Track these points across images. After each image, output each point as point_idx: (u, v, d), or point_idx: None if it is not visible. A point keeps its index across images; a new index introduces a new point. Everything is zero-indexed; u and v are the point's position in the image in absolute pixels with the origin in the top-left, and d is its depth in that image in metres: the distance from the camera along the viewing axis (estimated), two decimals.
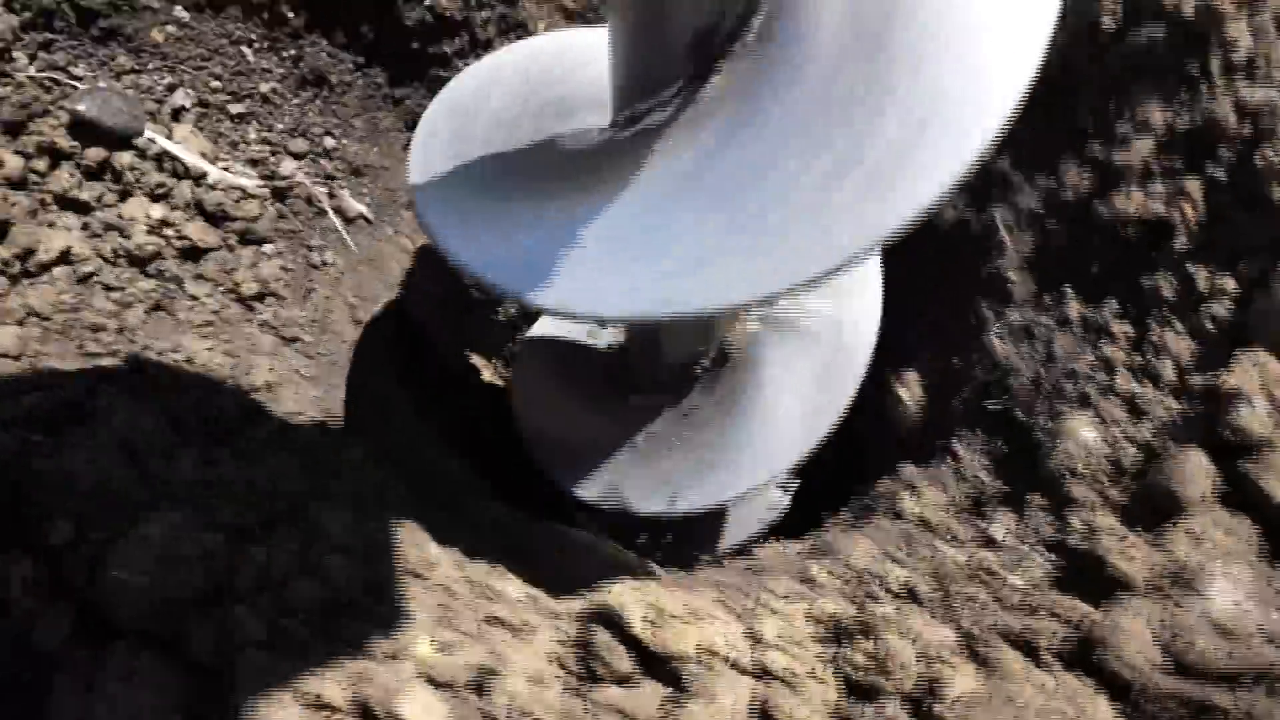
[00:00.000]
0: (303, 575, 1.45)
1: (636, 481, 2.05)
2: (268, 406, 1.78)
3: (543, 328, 2.39)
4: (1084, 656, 1.34)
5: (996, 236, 1.99)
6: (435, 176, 1.48)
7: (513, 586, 1.66)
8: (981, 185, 2.12)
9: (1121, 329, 1.72)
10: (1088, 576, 1.45)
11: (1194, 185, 1.70)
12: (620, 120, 1.40)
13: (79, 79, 1.91)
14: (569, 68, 1.72)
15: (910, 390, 2.13)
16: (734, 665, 1.39)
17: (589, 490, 2.04)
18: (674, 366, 2.02)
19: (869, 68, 1.11)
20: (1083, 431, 1.61)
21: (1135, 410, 1.61)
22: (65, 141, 1.87)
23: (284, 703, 1.29)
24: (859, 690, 1.36)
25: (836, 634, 1.42)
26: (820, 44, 1.16)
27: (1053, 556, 1.51)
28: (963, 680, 1.31)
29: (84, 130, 1.87)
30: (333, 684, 1.33)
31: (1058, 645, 1.38)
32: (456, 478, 2.01)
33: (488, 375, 2.82)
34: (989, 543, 1.60)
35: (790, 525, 2.41)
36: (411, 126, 2.36)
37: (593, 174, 1.35)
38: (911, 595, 1.56)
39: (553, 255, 1.24)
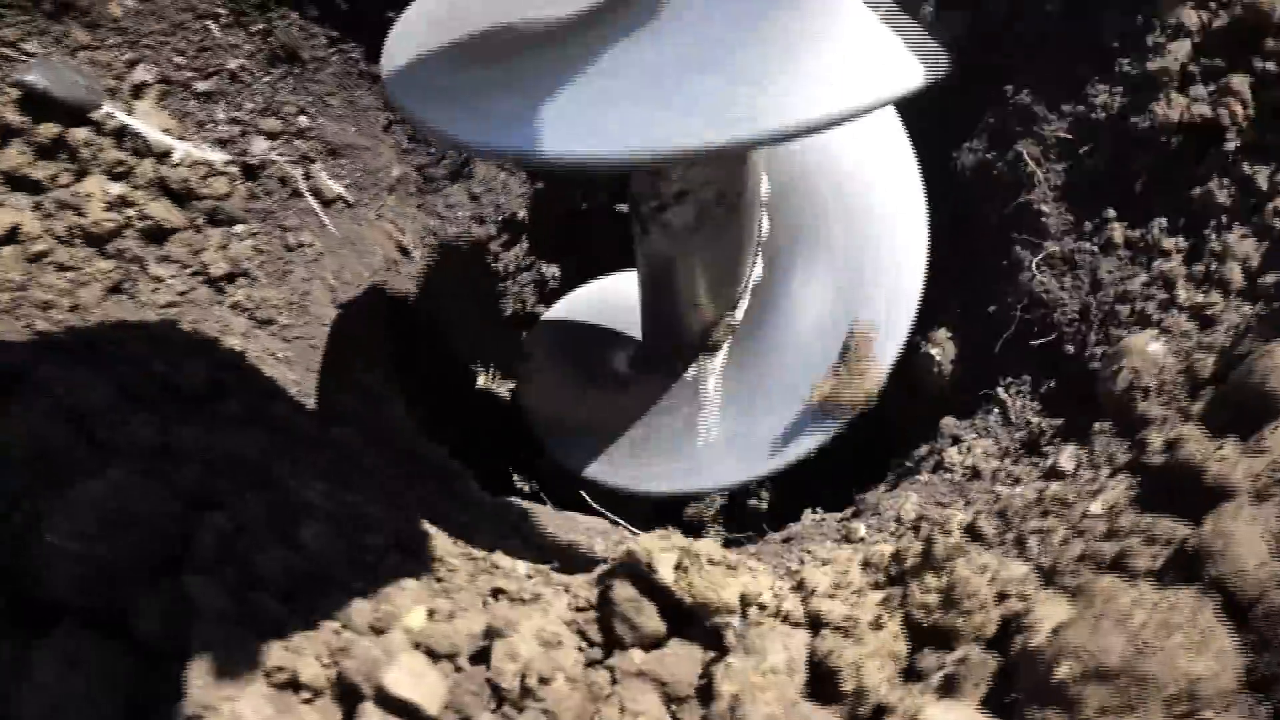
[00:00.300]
0: (274, 545, 1.26)
1: (651, 461, 1.87)
2: (239, 385, 1.61)
3: (556, 312, 2.26)
4: (1191, 575, 1.15)
5: (1025, 170, 1.84)
6: (406, 62, 1.43)
7: (521, 565, 1.47)
8: (999, 124, 1.98)
9: (1174, 243, 1.56)
10: (1179, 493, 1.26)
11: (1240, 81, 1.56)
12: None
13: (30, 55, 1.78)
14: None
15: (942, 348, 1.96)
16: (784, 618, 1.20)
17: (600, 471, 1.86)
18: (692, 329, 1.89)
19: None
20: (1150, 346, 1.43)
21: (1205, 320, 1.45)
22: (15, 117, 1.73)
23: (248, 682, 1.09)
24: (930, 636, 1.16)
25: (898, 576, 1.23)
26: None
27: (1133, 479, 1.32)
28: (1055, 610, 1.12)
29: (35, 104, 1.73)
30: (310, 660, 1.13)
31: (1159, 566, 1.18)
32: (453, 469, 1.83)
33: (483, 381, 2.65)
34: (1056, 475, 1.42)
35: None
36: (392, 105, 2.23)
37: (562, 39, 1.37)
38: (976, 537, 1.37)
39: (532, 107, 1.21)
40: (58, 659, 1.11)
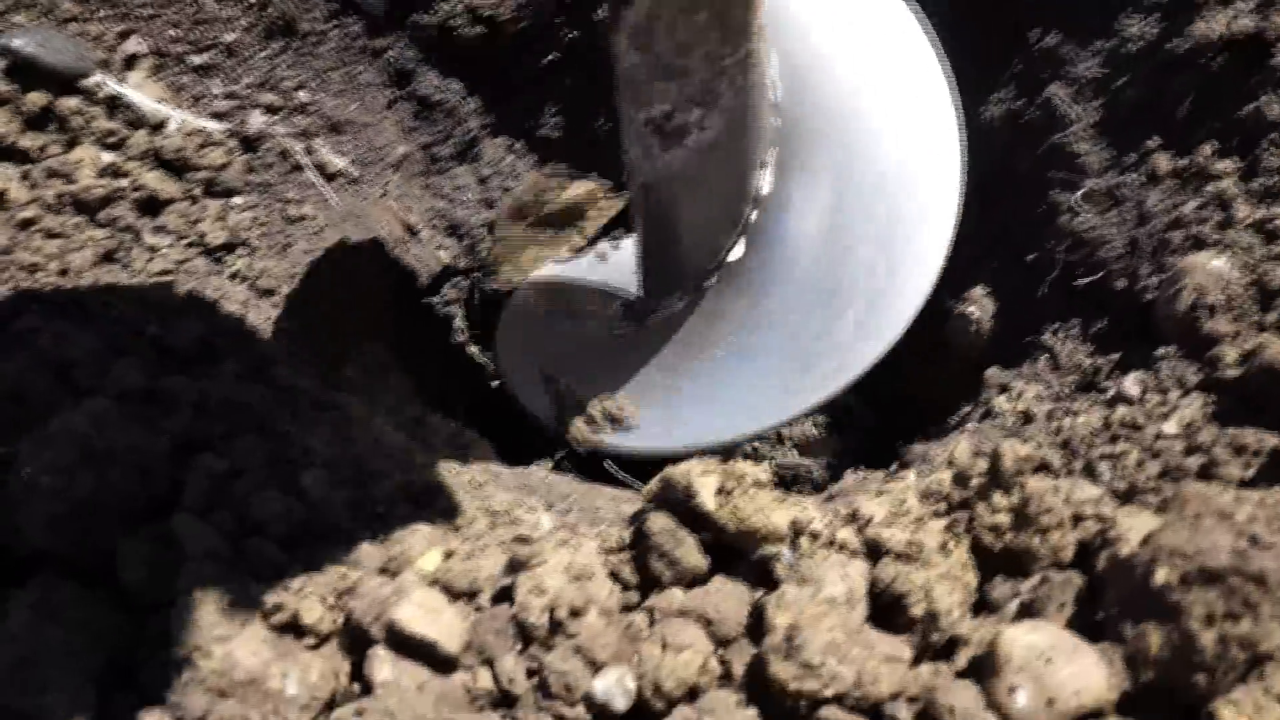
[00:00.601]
0: (272, 490, 1.15)
1: (656, 417, 1.76)
2: (237, 348, 1.51)
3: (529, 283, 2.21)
4: None
5: (1058, 113, 1.76)
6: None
7: (545, 518, 1.35)
8: (1026, 71, 1.90)
9: (1225, 165, 1.47)
10: (1262, 402, 1.16)
11: None
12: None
13: (18, 26, 1.71)
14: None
15: (980, 305, 1.86)
16: (840, 547, 1.08)
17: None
18: (691, 262, 1.82)
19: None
20: (1212, 263, 1.34)
21: (1269, 234, 1.35)
22: (2, 85, 1.65)
23: (244, 623, 0.98)
24: (1002, 562, 1.05)
25: (962, 502, 1.11)
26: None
27: (1208, 396, 1.22)
28: (1141, 521, 1.00)
29: (22, 71, 1.66)
30: (313, 602, 1.02)
31: (1253, 474, 1.07)
32: (467, 437, 1.72)
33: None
34: (1122, 400, 1.31)
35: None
36: (395, 81, 2.16)
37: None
38: (1043, 469, 1.26)
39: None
40: (32, 609, 1.00)
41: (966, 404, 1.80)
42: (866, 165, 1.72)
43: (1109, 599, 0.97)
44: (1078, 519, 1.07)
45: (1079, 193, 1.64)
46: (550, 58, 2.26)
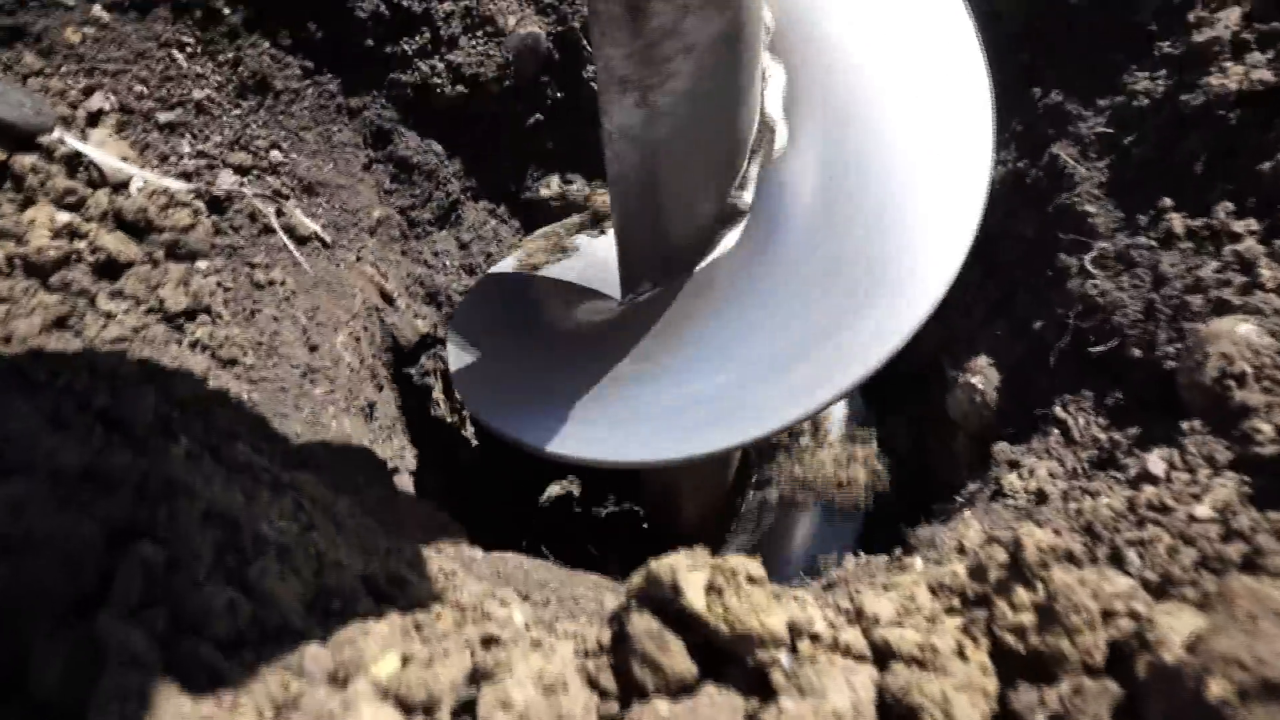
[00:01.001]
0: (217, 584, 1.03)
1: (636, 424, 1.52)
2: (193, 424, 1.40)
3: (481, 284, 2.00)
4: None
5: (1064, 172, 1.68)
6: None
7: (517, 614, 1.23)
8: (1029, 130, 1.83)
9: (1246, 225, 1.39)
10: None
11: None
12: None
13: None
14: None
15: (984, 375, 1.76)
16: (844, 650, 0.97)
17: (576, 445, 1.52)
18: (680, 239, 1.59)
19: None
20: (1239, 329, 1.24)
21: None
22: None
23: None
24: (1025, 666, 0.93)
25: (979, 597, 1.00)
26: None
27: (1243, 476, 1.11)
28: (1184, 621, 0.89)
29: None
30: (248, 714, 0.90)
31: None
32: (439, 520, 1.60)
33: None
34: (1146, 480, 1.20)
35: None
36: (372, 141, 2.09)
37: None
38: (1066, 559, 1.15)
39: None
40: None
41: (973, 481, 1.69)
42: (885, 133, 1.46)
43: (1152, 712, 0.86)
44: (1108, 615, 0.97)
45: (1089, 255, 1.56)
46: (534, 119, 2.19)
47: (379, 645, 1.02)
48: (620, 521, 2.40)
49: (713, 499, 2.15)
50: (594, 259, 1.96)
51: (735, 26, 1.29)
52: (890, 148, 1.46)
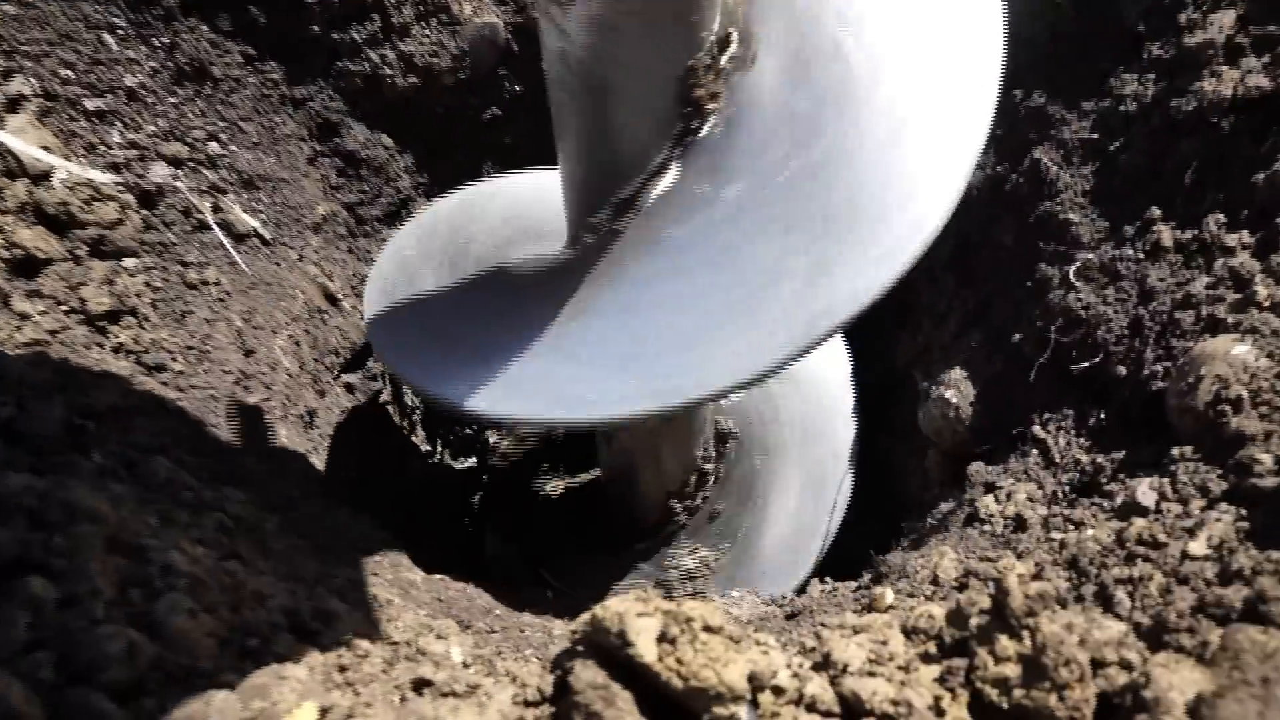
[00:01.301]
0: (116, 623, 0.92)
1: (575, 374, 1.34)
2: (109, 437, 1.29)
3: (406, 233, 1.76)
4: None
5: (1046, 179, 1.60)
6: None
7: (456, 650, 1.13)
8: (1009, 134, 1.76)
9: (1239, 238, 1.31)
10: None
11: None
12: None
13: None
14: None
15: (958, 389, 1.68)
16: (809, 705, 0.87)
17: (516, 403, 1.33)
18: (621, 170, 1.39)
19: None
20: (1234, 350, 1.16)
21: None
22: None
23: None
24: None
25: (958, 643, 0.92)
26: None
27: (1239, 510, 1.03)
28: (1183, 677, 0.81)
29: None
30: None
31: None
32: (378, 539, 1.49)
33: (435, 457, 2.32)
34: (1135, 512, 1.12)
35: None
36: (318, 134, 1.97)
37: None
38: (1044, 601, 1.06)
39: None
40: None
41: (946, 501, 1.61)
42: (868, 44, 1.25)
43: None
44: (1098, 664, 0.88)
45: (1072, 267, 1.48)
46: (491, 113, 2.09)
47: (296, 694, 0.91)
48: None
49: (677, 466, 1.94)
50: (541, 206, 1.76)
51: None
52: (873, 54, 1.23)
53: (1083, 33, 1.65)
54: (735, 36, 1.32)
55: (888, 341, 2.13)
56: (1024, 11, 1.74)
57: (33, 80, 1.63)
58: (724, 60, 1.31)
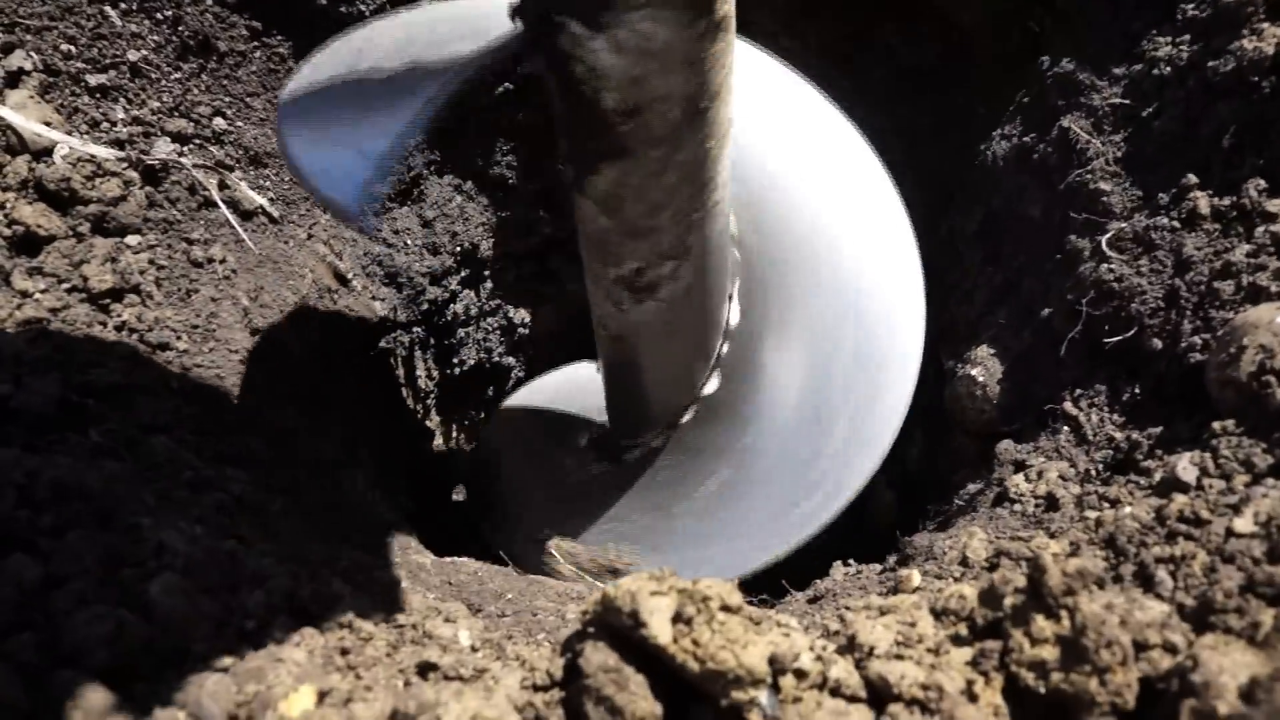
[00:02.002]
0: (105, 603, 0.89)
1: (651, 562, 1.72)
2: (109, 414, 1.25)
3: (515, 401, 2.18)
4: None
5: (1076, 148, 1.54)
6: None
7: (464, 633, 1.09)
8: (1037, 102, 1.69)
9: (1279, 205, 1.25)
10: None
11: None
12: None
13: None
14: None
15: (985, 366, 1.62)
16: (833, 690, 0.83)
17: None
18: (665, 400, 1.77)
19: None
20: (1278, 319, 1.10)
21: None
22: None
23: None
24: (1045, 709, 0.80)
25: (991, 625, 0.87)
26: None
27: None
28: (1234, 659, 0.76)
29: None
30: None
31: None
32: (386, 521, 1.46)
33: (440, 440, 2.29)
34: (1175, 488, 1.06)
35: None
36: None
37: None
38: (1084, 579, 1.01)
39: None
40: None
41: (974, 482, 1.55)
42: (831, 280, 1.68)
43: None
44: (1140, 648, 0.83)
45: (1104, 237, 1.42)
46: (504, 88, 2.04)
47: (293, 677, 0.87)
48: None
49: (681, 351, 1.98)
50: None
51: (699, 279, 1.47)
52: (837, 288, 1.67)
53: None
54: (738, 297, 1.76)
55: None
56: None
57: (34, 55, 1.60)
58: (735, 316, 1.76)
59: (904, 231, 1.65)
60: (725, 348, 1.74)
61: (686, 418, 1.76)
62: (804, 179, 1.72)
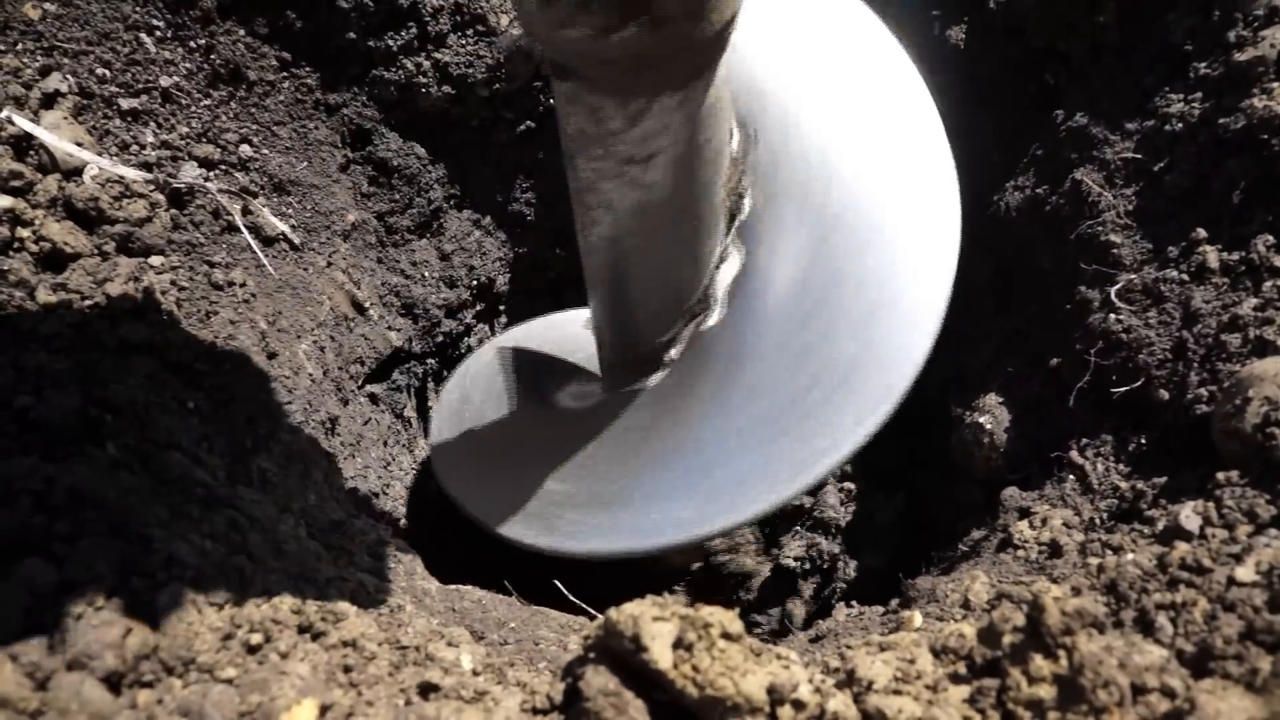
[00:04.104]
0: (114, 609, 0.90)
1: (619, 512, 1.48)
2: (125, 430, 1.27)
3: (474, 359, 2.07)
4: None
5: (1088, 200, 1.56)
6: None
7: (466, 657, 1.10)
8: (1050, 154, 1.72)
9: None
10: None
11: None
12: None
13: None
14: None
15: (993, 414, 1.63)
16: None
17: (548, 535, 1.46)
18: (654, 332, 1.60)
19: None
20: None
21: None
22: None
23: None
24: None
25: (990, 663, 0.87)
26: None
27: None
28: (1233, 705, 0.76)
29: None
30: None
31: None
32: (393, 547, 1.46)
33: None
34: (1178, 537, 1.07)
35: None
36: (351, 141, 1.97)
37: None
38: (1082, 619, 1.01)
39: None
40: None
41: (979, 528, 1.56)
42: (851, 214, 1.47)
43: None
44: (1138, 690, 0.83)
45: (1114, 288, 1.44)
46: (525, 126, 2.08)
47: (296, 690, 0.88)
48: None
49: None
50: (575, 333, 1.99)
51: (651, 206, 1.34)
52: (856, 224, 1.45)
53: (1126, 51, 1.62)
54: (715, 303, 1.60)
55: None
56: (1065, 30, 1.71)
57: (70, 78, 1.65)
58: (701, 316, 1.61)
59: (945, 170, 1.43)
60: (721, 276, 1.58)
61: (674, 355, 1.62)
62: (837, 100, 1.53)
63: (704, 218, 1.46)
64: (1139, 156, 1.52)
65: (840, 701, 0.85)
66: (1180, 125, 1.47)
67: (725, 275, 1.58)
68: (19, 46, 1.62)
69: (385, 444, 1.97)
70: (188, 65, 1.75)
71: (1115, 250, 1.49)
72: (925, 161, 1.43)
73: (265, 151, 1.82)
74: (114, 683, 0.86)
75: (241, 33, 1.78)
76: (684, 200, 1.38)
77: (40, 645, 0.84)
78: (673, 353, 1.62)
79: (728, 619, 0.84)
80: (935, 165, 1.42)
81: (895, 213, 1.42)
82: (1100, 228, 1.53)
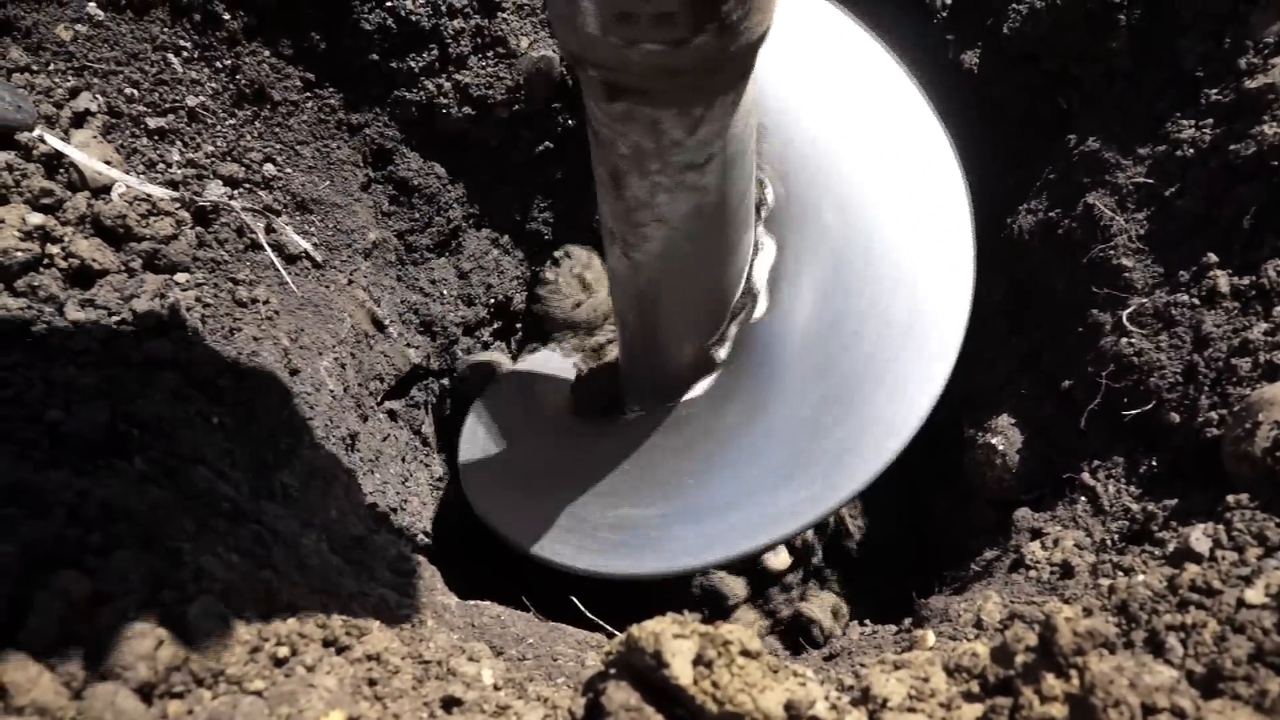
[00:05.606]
0: (146, 621, 0.92)
1: (642, 534, 1.55)
2: (154, 445, 1.29)
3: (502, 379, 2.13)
4: None
5: (1100, 224, 1.58)
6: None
7: (487, 672, 1.12)
8: (1063, 178, 1.74)
9: None
10: None
11: None
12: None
13: None
14: None
15: (1005, 436, 1.65)
16: None
17: (566, 552, 1.58)
18: (678, 361, 1.66)
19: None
20: None
21: None
22: None
23: None
24: None
25: (1003, 682, 0.88)
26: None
27: None
28: None
29: None
30: None
31: None
32: (413, 563, 1.48)
33: None
34: (1188, 559, 1.08)
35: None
36: (372, 160, 2.01)
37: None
38: (1094, 639, 1.03)
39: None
40: None
41: (991, 548, 1.57)
42: (869, 254, 1.53)
43: None
44: (1148, 711, 0.84)
45: (1125, 312, 1.45)
46: (544, 147, 2.11)
47: (324, 703, 0.90)
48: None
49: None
50: None
51: (707, 208, 1.37)
52: (873, 264, 1.52)
53: (1139, 77, 1.64)
54: (759, 294, 1.65)
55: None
56: (1078, 55, 1.73)
57: (99, 98, 1.68)
58: (748, 309, 1.65)
59: (959, 212, 1.51)
60: (745, 311, 1.65)
61: (700, 387, 1.67)
62: (856, 141, 1.60)
63: (748, 210, 1.50)
64: (1151, 181, 1.54)
65: (856, 718, 0.86)
66: (1191, 151, 1.49)
67: (761, 265, 1.63)
68: (51, 67, 1.65)
69: (403, 460, 1.99)
70: (214, 85, 1.79)
71: (1127, 274, 1.51)
72: (930, 162, 1.53)
73: (288, 170, 1.85)
74: (146, 693, 0.88)
75: (266, 54, 1.82)
76: (732, 197, 1.41)
77: (76, 656, 0.87)
78: (721, 352, 1.65)
79: (747, 636, 0.86)
80: (951, 206, 1.52)
81: (914, 246, 1.51)
82: (1112, 251, 1.55)
